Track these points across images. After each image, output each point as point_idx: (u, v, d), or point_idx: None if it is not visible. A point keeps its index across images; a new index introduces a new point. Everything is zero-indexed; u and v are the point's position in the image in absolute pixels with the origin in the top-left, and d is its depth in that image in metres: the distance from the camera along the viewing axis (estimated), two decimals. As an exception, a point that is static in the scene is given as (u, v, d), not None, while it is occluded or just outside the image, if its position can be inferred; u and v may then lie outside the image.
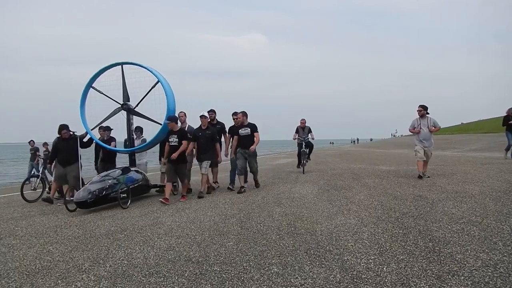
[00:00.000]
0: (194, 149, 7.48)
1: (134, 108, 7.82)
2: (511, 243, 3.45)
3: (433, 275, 2.81)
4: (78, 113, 7.82)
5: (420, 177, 8.03)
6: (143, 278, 3.08)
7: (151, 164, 11.90)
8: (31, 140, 12.97)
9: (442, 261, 3.07)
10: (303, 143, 10.74)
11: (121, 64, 7.73)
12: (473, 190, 6.24)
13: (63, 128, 7.27)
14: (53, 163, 7.93)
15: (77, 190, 6.61)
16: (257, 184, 8.08)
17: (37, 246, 4.23)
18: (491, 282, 2.64)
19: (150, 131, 7.88)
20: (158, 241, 4.13)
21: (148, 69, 7.57)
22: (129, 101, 7.81)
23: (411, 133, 8.71)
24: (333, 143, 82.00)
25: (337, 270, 3.02)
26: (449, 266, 2.97)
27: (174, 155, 6.90)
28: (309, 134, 10.82)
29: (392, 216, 4.72)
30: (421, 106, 8.28)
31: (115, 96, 7.79)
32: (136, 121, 8.10)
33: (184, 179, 7.26)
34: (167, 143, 7.16)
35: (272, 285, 2.82)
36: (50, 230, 5.02)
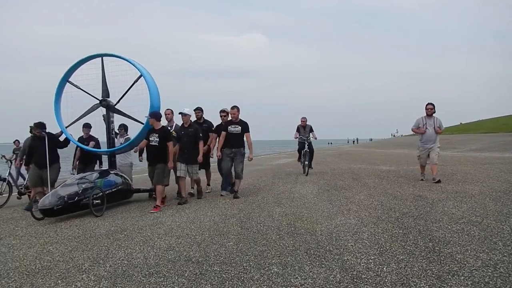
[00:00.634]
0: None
1: (115, 105, 7.10)
2: (511, 243, 3.45)
3: (433, 275, 2.81)
4: (52, 110, 7.03)
5: (422, 180, 7.66)
6: (143, 278, 3.08)
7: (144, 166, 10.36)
8: (16, 140, 12.31)
9: (442, 261, 3.07)
10: (306, 143, 10.04)
11: (101, 55, 7.03)
12: (473, 190, 6.25)
13: (38, 126, 6.61)
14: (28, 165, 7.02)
15: (45, 194, 5.85)
16: (236, 195, 6.77)
17: (37, 246, 4.23)
18: (491, 282, 2.64)
19: (137, 130, 7.07)
20: (158, 241, 4.13)
21: (130, 62, 6.89)
22: (108, 97, 7.10)
23: (414, 133, 8.03)
24: (331, 143, 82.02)
25: (337, 270, 3.02)
26: (449, 266, 2.97)
27: (171, 165, 6.31)
28: (311, 134, 10.23)
29: (392, 216, 4.73)
30: (431, 104, 7.47)
31: (94, 92, 7.07)
32: (121, 119, 7.41)
33: (159, 183, 6.27)
34: (145, 141, 6.46)
35: (272, 285, 2.82)
36: (50, 230, 5.02)
